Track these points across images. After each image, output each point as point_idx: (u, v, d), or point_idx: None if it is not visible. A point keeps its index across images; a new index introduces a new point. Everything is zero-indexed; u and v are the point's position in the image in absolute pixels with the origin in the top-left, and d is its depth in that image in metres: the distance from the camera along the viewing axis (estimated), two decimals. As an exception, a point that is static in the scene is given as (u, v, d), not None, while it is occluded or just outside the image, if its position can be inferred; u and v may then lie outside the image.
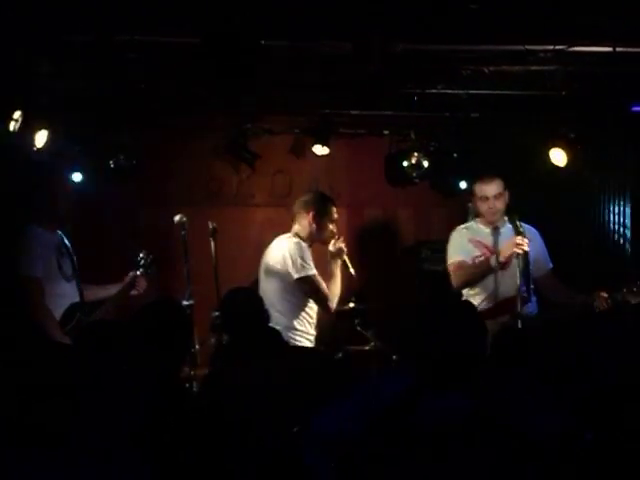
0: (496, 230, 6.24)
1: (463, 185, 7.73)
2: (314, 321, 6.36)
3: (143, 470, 2.86)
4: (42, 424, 2.81)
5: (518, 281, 5.89)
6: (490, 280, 6.15)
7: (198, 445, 3.70)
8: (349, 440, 3.15)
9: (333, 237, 6.46)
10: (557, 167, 6.85)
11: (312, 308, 6.40)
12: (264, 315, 5.07)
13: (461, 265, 6.25)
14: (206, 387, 4.94)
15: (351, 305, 6.84)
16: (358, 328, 6.74)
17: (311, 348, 6.33)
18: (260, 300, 5.16)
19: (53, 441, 2.78)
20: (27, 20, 5.05)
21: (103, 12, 4.97)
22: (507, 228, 6.22)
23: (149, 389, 3.51)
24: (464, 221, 6.87)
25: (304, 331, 6.29)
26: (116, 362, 3.12)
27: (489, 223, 6.27)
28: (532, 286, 6.02)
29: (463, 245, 6.31)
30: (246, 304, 5.02)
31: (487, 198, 6.22)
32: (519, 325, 5.72)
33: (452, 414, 2.76)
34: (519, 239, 5.91)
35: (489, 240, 6.24)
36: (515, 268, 5.98)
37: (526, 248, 5.89)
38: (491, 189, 6.22)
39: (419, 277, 7.53)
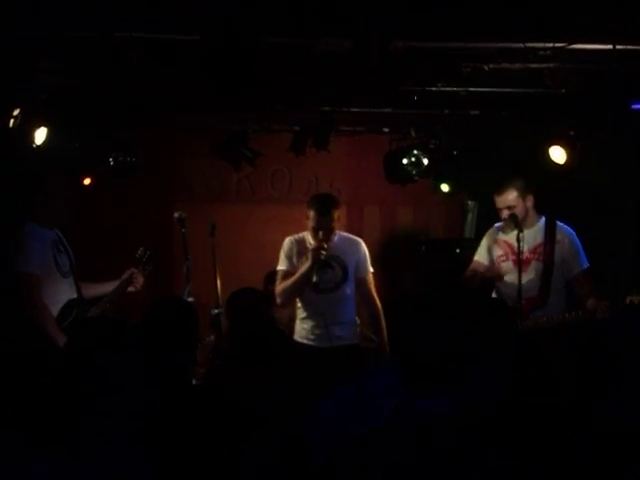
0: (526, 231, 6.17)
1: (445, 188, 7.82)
2: (305, 311, 6.36)
3: (145, 468, 2.86)
4: (44, 422, 2.81)
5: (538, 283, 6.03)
6: (509, 279, 6.20)
7: (201, 443, 3.71)
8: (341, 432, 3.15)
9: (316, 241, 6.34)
10: (557, 165, 6.85)
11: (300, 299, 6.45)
12: (267, 315, 5.08)
13: (472, 268, 6.44)
14: (207, 384, 4.94)
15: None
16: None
17: (311, 347, 6.34)
18: (264, 300, 5.17)
19: (55, 439, 2.78)
20: (27, 17, 5.04)
21: (103, 9, 4.97)
22: (538, 229, 6.25)
23: (153, 387, 3.51)
24: (463, 219, 6.87)
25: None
26: (119, 359, 3.11)
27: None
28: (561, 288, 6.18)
29: (487, 245, 6.43)
30: (250, 303, 5.03)
31: (500, 209, 6.27)
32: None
33: (436, 415, 2.74)
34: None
35: (516, 240, 6.13)
36: (534, 270, 6.08)
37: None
38: (501, 201, 6.28)
39: (418, 275, 7.52)
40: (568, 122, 6.82)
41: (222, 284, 6.28)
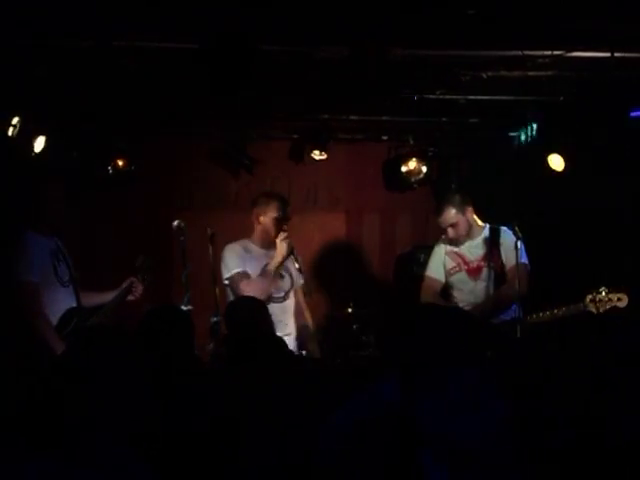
0: (473, 240, 6.36)
1: None
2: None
3: (144, 474, 2.85)
4: (41, 427, 2.80)
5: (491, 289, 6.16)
6: (465, 288, 6.35)
7: (201, 446, 3.70)
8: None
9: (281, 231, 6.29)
10: (555, 172, 6.85)
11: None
12: (268, 324, 5.07)
13: (430, 286, 6.47)
14: (205, 389, 4.94)
15: (349, 310, 6.84)
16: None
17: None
18: (264, 308, 5.15)
19: (52, 444, 2.78)
20: (26, 26, 5.05)
21: (102, 18, 4.98)
22: (484, 237, 6.34)
23: (152, 393, 3.51)
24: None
25: None
26: (118, 367, 3.11)
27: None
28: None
29: (440, 259, 6.51)
30: (249, 313, 5.02)
31: (444, 229, 6.36)
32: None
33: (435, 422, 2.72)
34: None
35: (466, 251, 6.38)
36: (487, 276, 6.21)
37: None
38: (442, 222, 6.36)
39: (417, 282, 7.51)
40: (566, 130, 6.83)
41: (221, 292, 6.27)
